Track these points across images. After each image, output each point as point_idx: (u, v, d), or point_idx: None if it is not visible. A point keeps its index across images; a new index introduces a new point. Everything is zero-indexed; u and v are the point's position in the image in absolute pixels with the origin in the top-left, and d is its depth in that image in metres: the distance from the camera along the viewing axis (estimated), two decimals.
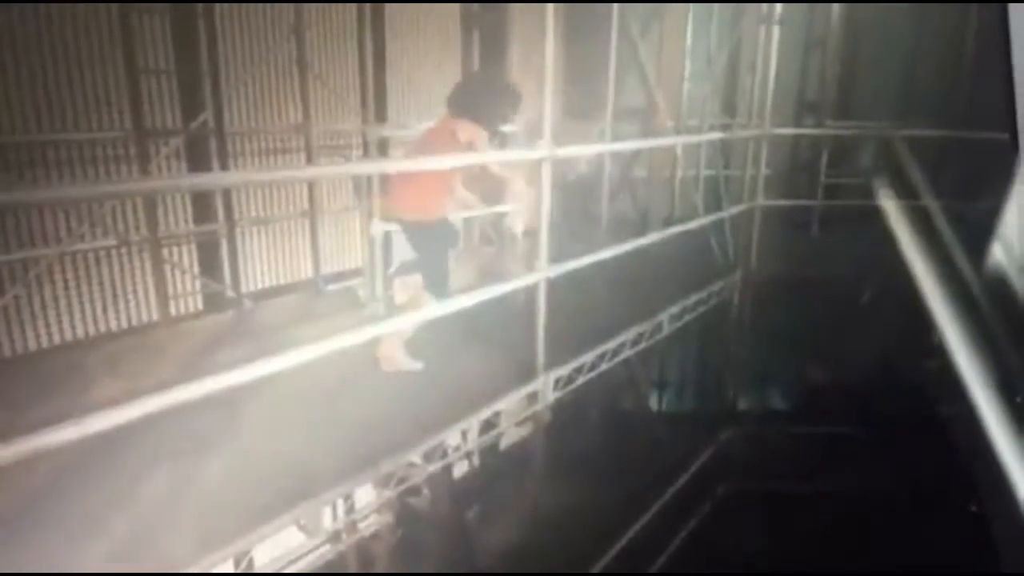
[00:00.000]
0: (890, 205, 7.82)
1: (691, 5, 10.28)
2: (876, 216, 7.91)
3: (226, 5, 7.22)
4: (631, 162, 10.83)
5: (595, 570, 6.75)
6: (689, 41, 10.41)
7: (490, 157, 5.61)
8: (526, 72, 8.40)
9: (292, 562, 6.45)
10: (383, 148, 7.75)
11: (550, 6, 4.91)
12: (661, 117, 9.75)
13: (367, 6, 6.92)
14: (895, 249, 7.26)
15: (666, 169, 10.13)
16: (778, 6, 8.41)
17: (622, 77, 9.71)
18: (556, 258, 5.42)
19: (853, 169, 10.28)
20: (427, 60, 9.04)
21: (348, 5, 8.01)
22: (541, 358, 5.49)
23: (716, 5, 10.38)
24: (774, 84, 8.54)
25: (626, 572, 7.23)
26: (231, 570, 3.83)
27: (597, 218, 8.23)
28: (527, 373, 5.47)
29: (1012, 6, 3.72)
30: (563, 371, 5.80)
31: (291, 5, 7.18)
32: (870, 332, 8.97)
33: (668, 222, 9.44)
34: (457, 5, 9.36)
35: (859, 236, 9.02)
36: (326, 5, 8.01)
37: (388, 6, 8.39)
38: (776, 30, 8.44)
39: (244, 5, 7.35)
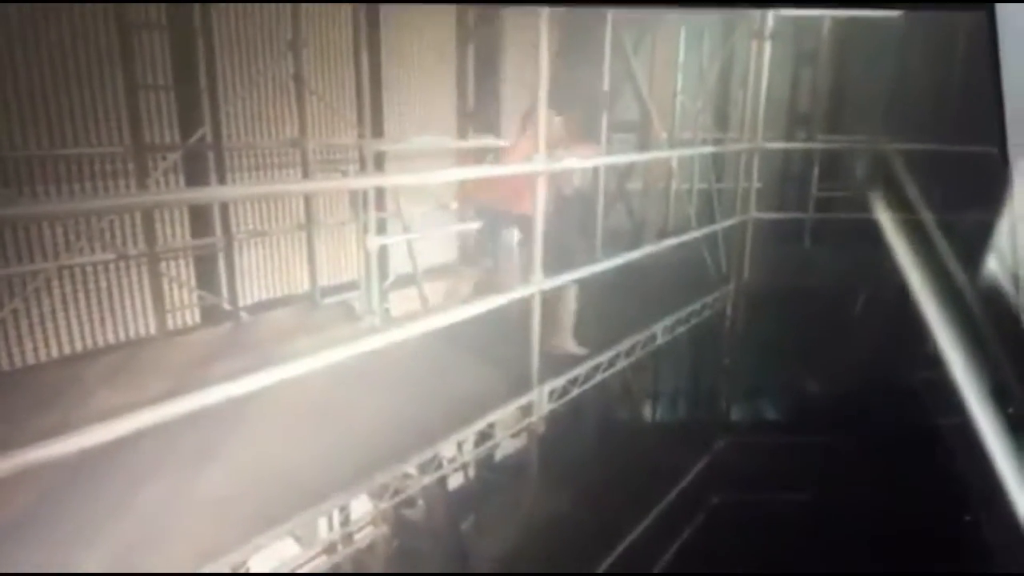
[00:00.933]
0: (884, 217, 7.83)
1: (683, 21, 10.29)
2: (868, 228, 7.97)
3: (224, 23, 7.23)
4: (626, 175, 10.89)
5: None
6: (681, 56, 10.41)
7: (487, 171, 5.67)
8: (521, 87, 8.52)
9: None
10: (379, 162, 7.76)
11: (544, 21, 4.98)
12: (655, 131, 9.77)
13: (363, 25, 6.99)
14: (887, 261, 7.34)
15: (660, 182, 10.19)
16: (770, 21, 8.46)
17: (616, 91, 9.75)
18: (552, 270, 5.50)
19: (844, 182, 10.34)
20: (423, 75, 9.07)
21: (345, 23, 8.09)
22: (536, 369, 5.52)
23: (708, 20, 10.41)
24: (766, 98, 8.63)
25: (626, 572, 7.28)
26: None
27: (592, 230, 8.31)
28: (522, 384, 5.50)
29: (1000, 6, 3.73)
30: (558, 382, 5.84)
31: (289, 23, 7.22)
32: (862, 343, 8.98)
33: (662, 234, 9.55)
34: (453, 22, 9.38)
35: (851, 248, 9.11)
36: (324, 23, 8.03)
37: (385, 23, 8.41)
38: (768, 45, 8.53)
39: (243, 23, 7.36)
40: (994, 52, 3.76)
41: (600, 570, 6.93)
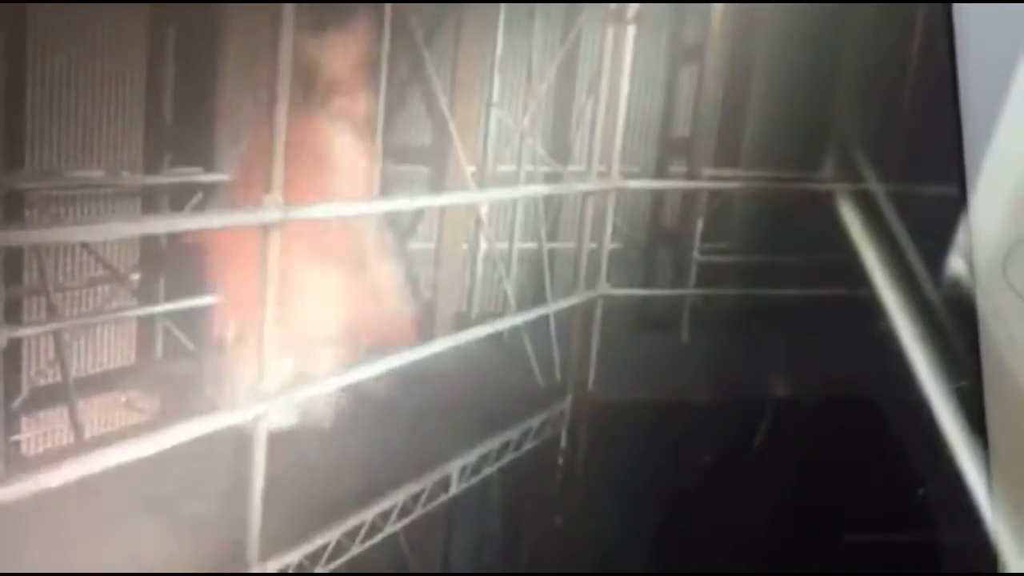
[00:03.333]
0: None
1: None
2: (777, 311, 6.96)
3: None
4: (410, 229, 8.58)
5: None
6: (500, 47, 8.20)
7: (186, 222, 5.18)
8: (249, 89, 6.41)
9: None
10: (15, 208, 6.02)
11: None
12: (457, 161, 7.74)
13: None
14: (803, 359, 6.56)
15: (461, 239, 8.13)
16: None
17: (396, 100, 7.67)
18: (286, 380, 4.69)
19: (743, 241, 8.47)
20: (90, 72, 6.58)
21: None
22: (256, 541, 4.38)
23: None
24: (626, 113, 7.08)
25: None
26: None
27: None
28: (232, 563, 4.45)
29: (956, 6, 3.43)
30: (288, 558, 4.64)
31: None
32: (766, 488, 7.10)
33: (462, 321, 7.67)
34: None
35: (749, 341, 7.57)
36: None
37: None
38: (630, 32, 6.89)
39: None
40: (949, 42, 3.46)
41: None
